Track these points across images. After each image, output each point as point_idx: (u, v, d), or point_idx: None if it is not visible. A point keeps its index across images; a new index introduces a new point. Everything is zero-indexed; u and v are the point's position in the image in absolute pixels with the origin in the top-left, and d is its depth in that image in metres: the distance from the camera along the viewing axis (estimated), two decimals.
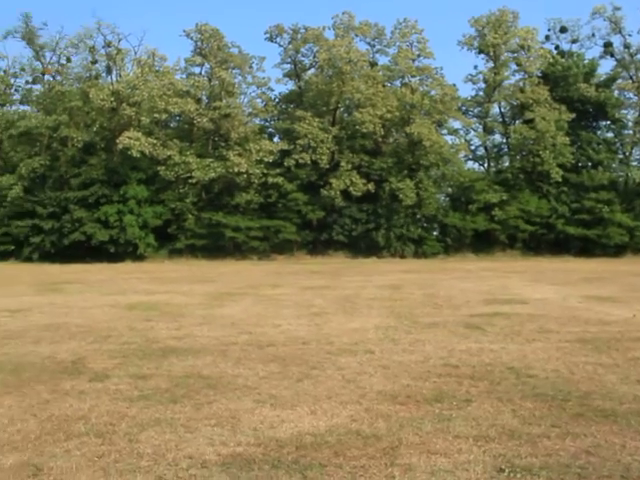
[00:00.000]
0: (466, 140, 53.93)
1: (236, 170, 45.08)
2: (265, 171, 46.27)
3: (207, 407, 5.87)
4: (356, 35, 51.60)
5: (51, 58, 54.94)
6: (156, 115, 47.36)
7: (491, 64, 51.74)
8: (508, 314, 12.46)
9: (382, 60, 53.69)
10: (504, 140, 54.09)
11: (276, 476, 4.25)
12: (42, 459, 4.67)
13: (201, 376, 7.10)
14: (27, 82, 56.38)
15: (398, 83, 52.70)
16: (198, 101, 49.18)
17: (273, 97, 54.37)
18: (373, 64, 52.41)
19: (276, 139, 51.62)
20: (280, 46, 52.68)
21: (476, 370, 7.35)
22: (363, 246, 48.32)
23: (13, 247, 48.57)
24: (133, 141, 44.48)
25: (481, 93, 53.42)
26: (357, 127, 47.54)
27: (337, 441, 4.90)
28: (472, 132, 54.37)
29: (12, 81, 56.15)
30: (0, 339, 10.12)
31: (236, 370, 7.42)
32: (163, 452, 4.74)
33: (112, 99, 46.20)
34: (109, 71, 52.44)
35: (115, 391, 6.51)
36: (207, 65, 50.76)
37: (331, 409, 5.82)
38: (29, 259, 47.05)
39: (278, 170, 46.75)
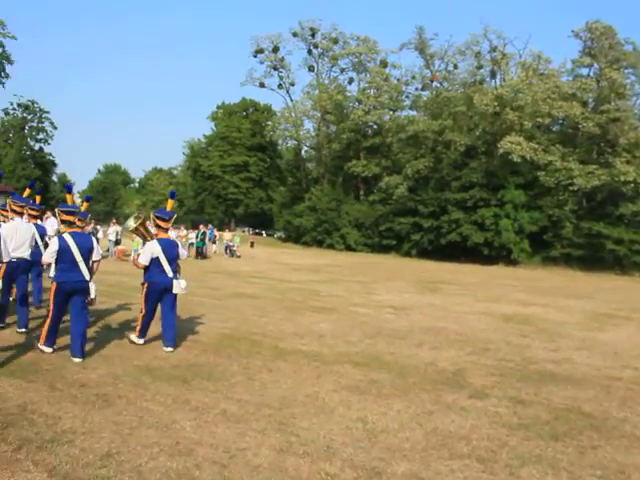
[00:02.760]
0: None
1: (622, 179, 41.99)
2: None
3: (591, 453, 5.52)
4: None
5: (439, 66, 58.11)
6: (539, 119, 46.63)
7: None
8: None
9: None
10: None
11: None
12: (428, 474, 4.89)
13: (583, 413, 6.73)
14: (417, 89, 60.65)
15: None
16: (584, 104, 47.07)
17: None
18: None
19: None
20: None
21: None
22: None
23: (395, 242, 52.53)
24: (514, 145, 44.46)
25: None
26: None
27: None
28: None
29: (404, 88, 60.67)
30: (386, 337, 10.95)
31: (621, 413, 6.85)
32: None
33: (495, 103, 46.80)
34: (493, 76, 53.21)
35: (494, 414, 6.54)
36: (596, 65, 48.22)
37: None
38: (408, 254, 50.37)
39: None
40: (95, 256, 8.30)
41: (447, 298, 18.79)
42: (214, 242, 38.94)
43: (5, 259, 7.69)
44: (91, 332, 9.65)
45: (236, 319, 12.06)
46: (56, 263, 8.00)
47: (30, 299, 10.81)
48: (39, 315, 10.40)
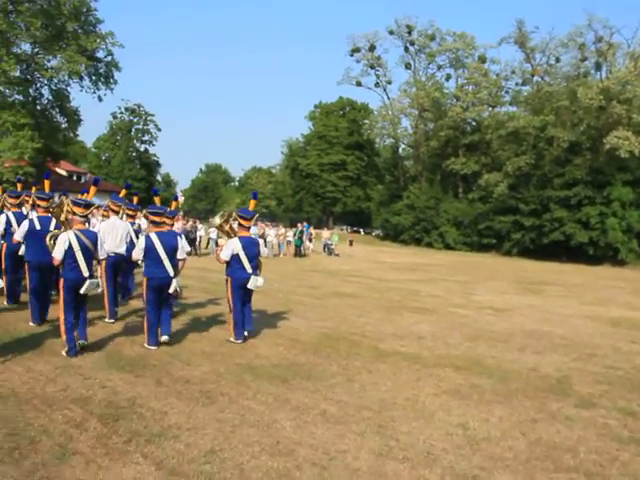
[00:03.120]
0: None
1: None
2: None
3: None
4: None
5: (540, 59, 56.17)
6: None
7: None
8: None
9: None
10: None
11: None
12: None
13: None
14: (517, 84, 58.96)
15: None
16: None
17: None
18: None
19: None
20: None
21: None
22: None
23: (495, 241, 51.39)
24: (622, 141, 42.53)
25: None
26: None
27: None
28: None
29: (503, 84, 59.19)
30: (487, 340, 10.70)
31: None
32: None
33: (601, 97, 44.85)
34: (598, 68, 50.95)
35: (603, 425, 6.24)
36: None
37: None
38: (508, 253, 49.17)
39: None
40: (180, 254, 8.85)
41: (550, 300, 18.19)
42: (310, 240, 39.34)
43: (102, 257, 8.39)
44: (194, 330, 9.97)
45: (335, 318, 12.13)
46: (144, 260, 8.64)
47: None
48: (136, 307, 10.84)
